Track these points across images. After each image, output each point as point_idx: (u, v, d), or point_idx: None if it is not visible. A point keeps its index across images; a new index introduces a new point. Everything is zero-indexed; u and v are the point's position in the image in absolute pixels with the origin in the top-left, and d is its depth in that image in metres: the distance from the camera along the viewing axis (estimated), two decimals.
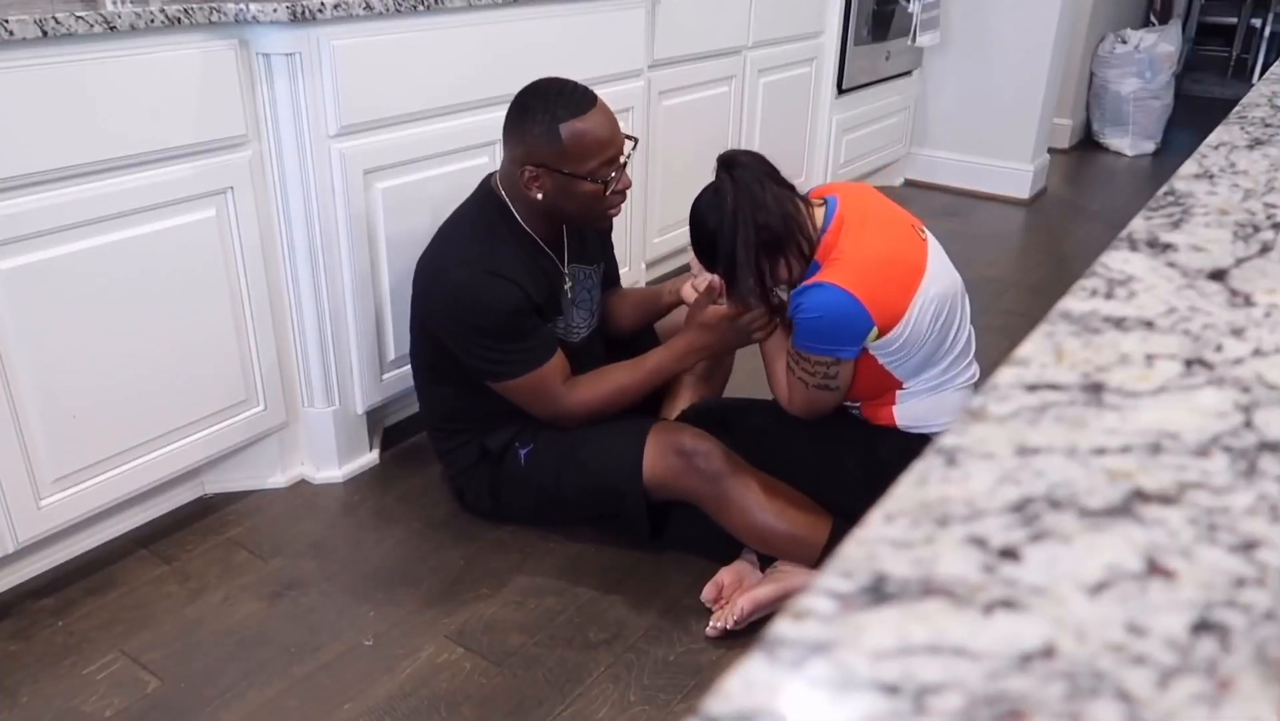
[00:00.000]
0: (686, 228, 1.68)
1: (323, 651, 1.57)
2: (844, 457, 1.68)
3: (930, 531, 0.35)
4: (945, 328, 1.61)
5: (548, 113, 1.60)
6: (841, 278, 1.52)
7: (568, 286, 1.79)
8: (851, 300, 1.51)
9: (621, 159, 1.67)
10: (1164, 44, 4.53)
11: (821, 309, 1.52)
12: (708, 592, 1.68)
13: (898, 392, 1.64)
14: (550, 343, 1.71)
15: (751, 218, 1.54)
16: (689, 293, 1.83)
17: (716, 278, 1.67)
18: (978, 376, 1.72)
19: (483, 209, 1.72)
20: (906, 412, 1.65)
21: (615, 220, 1.79)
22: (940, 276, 1.60)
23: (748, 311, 1.65)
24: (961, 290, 1.68)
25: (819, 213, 1.61)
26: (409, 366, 2.08)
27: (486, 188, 1.75)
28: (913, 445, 1.62)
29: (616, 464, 1.70)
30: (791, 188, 1.61)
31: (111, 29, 1.48)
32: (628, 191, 1.72)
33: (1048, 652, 0.29)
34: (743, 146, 2.99)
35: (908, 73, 3.87)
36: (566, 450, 1.76)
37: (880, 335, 1.54)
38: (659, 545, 1.81)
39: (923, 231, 1.66)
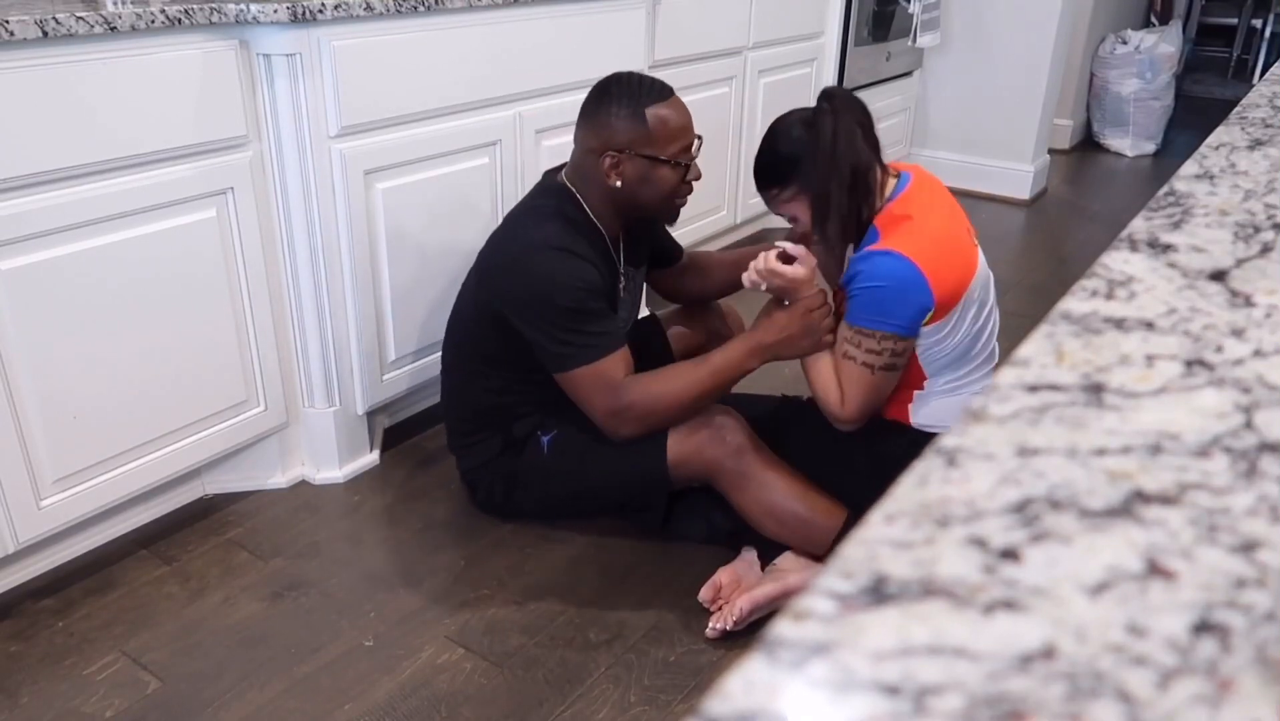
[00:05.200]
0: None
1: (323, 651, 1.57)
2: (851, 451, 1.67)
3: (930, 532, 0.35)
4: (979, 332, 1.60)
5: (632, 98, 1.63)
6: (907, 247, 1.49)
7: (621, 285, 1.80)
8: (916, 272, 1.47)
9: (693, 150, 1.70)
10: (1164, 45, 4.53)
11: (886, 278, 1.48)
12: (705, 593, 1.68)
13: (915, 392, 1.64)
14: (619, 333, 1.70)
15: (849, 159, 1.52)
16: (751, 277, 1.73)
17: (787, 247, 1.58)
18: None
19: (558, 200, 1.72)
20: (921, 411, 1.65)
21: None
22: (985, 283, 1.60)
23: (829, 260, 1.61)
24: (995, 304, 1.67)
25: (891, 183, 1.60)
26: (409, 366, 2.09)
27: (556, 183, 1.75)
28: (920, 441, 1.62)
29: (641, 442, 1.69)
30: (877, 148, 1.59)
31: (112, 29, 1.49)
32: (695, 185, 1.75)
33: (1048, 653, 0.29)
34: (746, 142, 3.00)
35: (908, 73, 3.87)
36: (591, 434, 1.75)
37: (932, 320, 1.52)
38: (659, 546, 1.81)
39: (975, 238, 1.65)
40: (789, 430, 1.75)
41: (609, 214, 1.73)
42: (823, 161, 1.53)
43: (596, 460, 1.75)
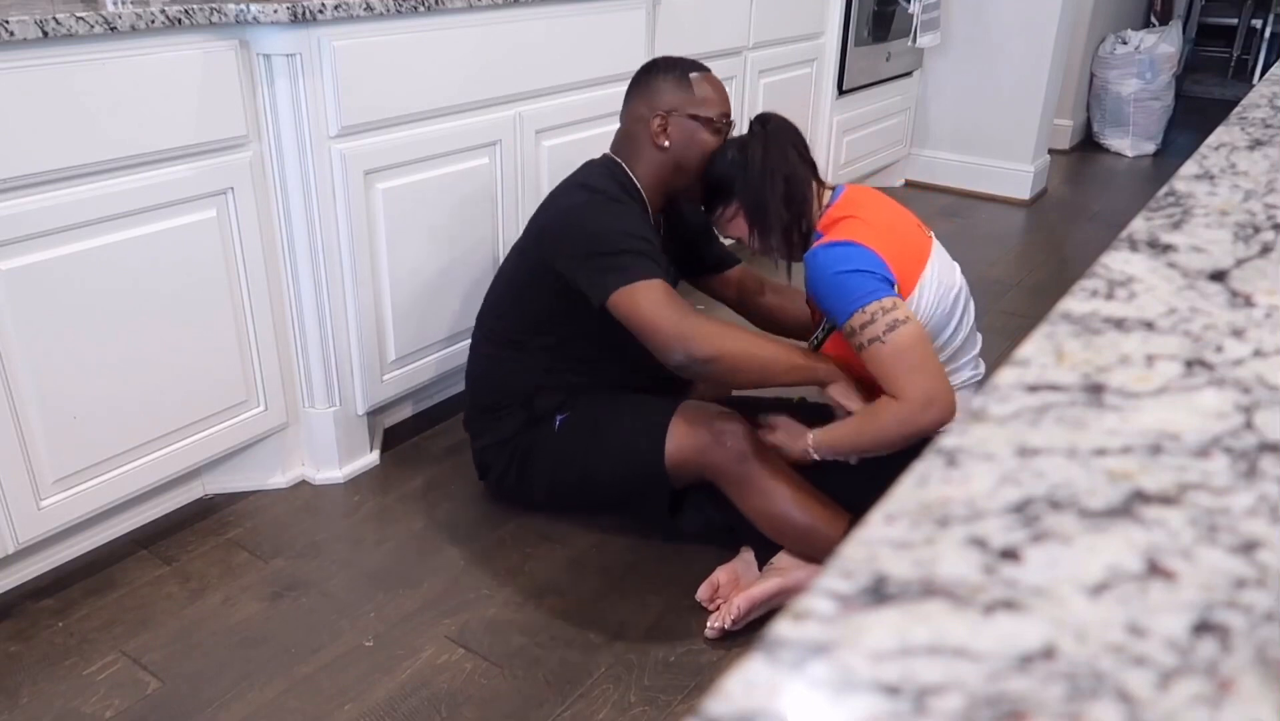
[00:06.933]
0: None
1: (323, 652, 1.57)
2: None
3: (930, 532, 0.35)
4: (946, 318, 1.61)
5: (677, 68, 1.77)
6: (848, 235, 1.57)
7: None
8: (861, 248, 1.55)
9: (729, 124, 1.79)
10: (1164, 45, 4.53)
11: (834, 263, 1.55)
12: (703, 592, 1.68)
13: None
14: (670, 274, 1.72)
15: (782, 172, 1.64)
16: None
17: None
18: (980, 379, 1.72)
19: (605, 167, 1.78)
20: None
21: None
22: (942, 270, 1.63)
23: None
24: (965, 291, 1.68)
25: (827, 194, 1.69)
26: (410, 366, 2.09)
27: (605, 159, 1.81)
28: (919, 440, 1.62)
29: (645, 431, 1.70)
30: (813, 166, 1.70)
31: (112, 30, 1.49)
32: None
33: (1048, 653, 0.29)
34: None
35: (908, 73, 3.87)
36: (599, 417, 1.76)
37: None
38: (659, 546, 1.81)
39: (927, 231, 1.70)
40: None
41: (653, 184, 1.78)
42: (755, 175, 1.65)
43: (600, 447, 1.76)
